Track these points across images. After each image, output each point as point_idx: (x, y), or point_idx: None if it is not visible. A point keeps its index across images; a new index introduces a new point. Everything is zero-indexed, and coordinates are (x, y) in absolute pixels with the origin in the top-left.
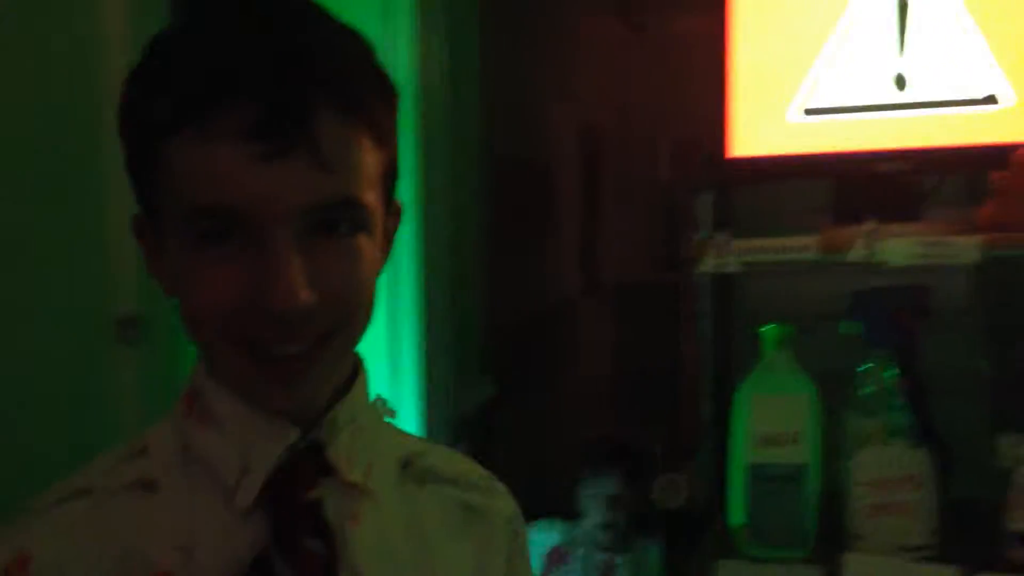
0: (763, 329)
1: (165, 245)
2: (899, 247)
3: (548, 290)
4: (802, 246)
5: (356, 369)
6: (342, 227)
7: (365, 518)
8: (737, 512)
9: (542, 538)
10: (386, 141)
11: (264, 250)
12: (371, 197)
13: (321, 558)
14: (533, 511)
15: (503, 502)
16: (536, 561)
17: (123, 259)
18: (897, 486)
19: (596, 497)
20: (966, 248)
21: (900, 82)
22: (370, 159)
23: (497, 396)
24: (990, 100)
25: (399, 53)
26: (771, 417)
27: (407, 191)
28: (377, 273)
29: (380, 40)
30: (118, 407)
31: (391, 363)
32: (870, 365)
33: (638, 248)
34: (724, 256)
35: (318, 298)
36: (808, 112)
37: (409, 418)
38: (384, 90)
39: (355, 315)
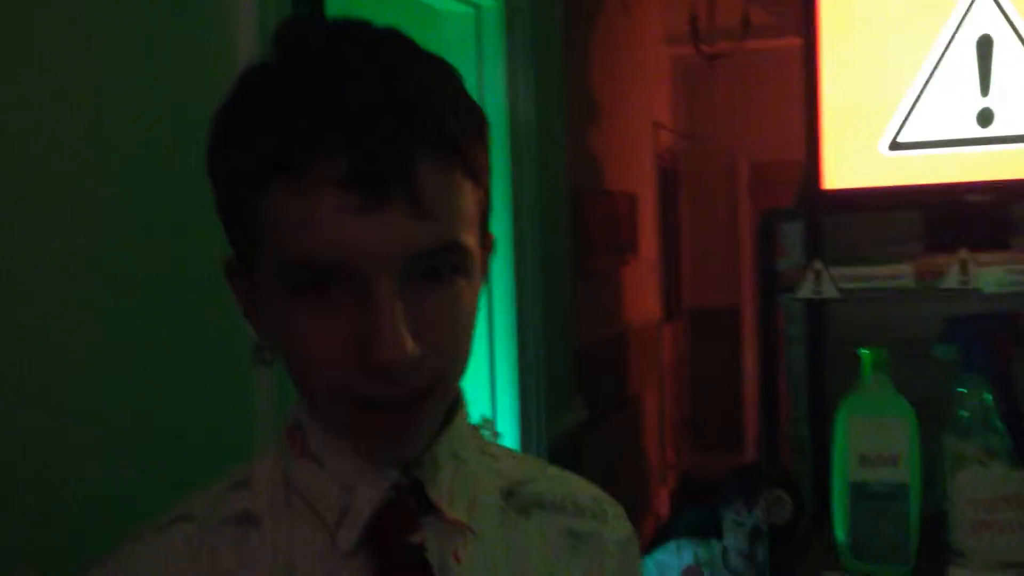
0: (862, 351)
1: (259, 290)
2: (991, 274)
3: (632, 316)
4: (898, 273)
5: (456, 400)
6: (444, 272)
7: (468, 556)
8: (841, 529)
9: (673, 559)
10: (482, 178)
11: (366, 302)
12: (471, 238)
13: None
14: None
15: (615, 525)
16: None
17: None
18: (997, 505)
19: (741, 525)
20: None
21: (984, 118)
22: (469, 200)
23: (588, 419)
24: None
25: (491, 91)
26: (871, 438)
27: (500, 224)
28: (475, 317)
29: (473, 79)
30: (257, 421)
31: (490, 390)
32: (966, 389)
33: (732, 274)
34: (822, 283)
35: (423, 349)
36: (896, 147)
37: (508, 442)
38: (478, 125)
39: (457, 363)
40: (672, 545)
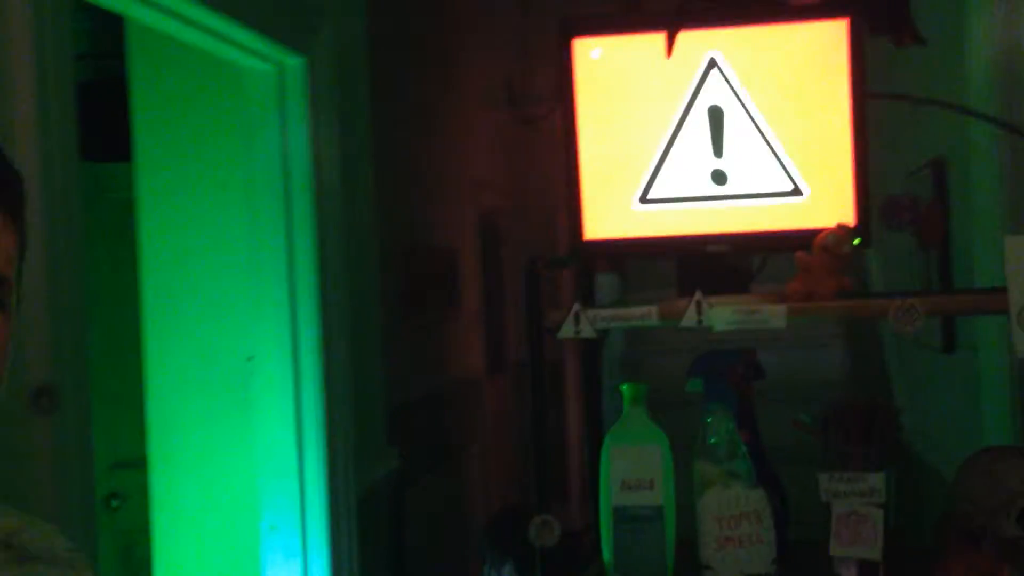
0: (622, 386)
1: None
2: (721, 314)
3: (455, 369)
4: (645, 314)
5: None
6: None
7: None
8: (607, 549)
9: None
10: (18, 222)
11: None
12: (10, 273)
13: None
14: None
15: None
16: None
17: (37, 327)
18: (739, 521)
19: None
20: (775, 314)
21: (719, 177)
22: (5, 235)
23: (401, 468)
24: (795, 193)
25: (295, 150)
26: (630, 465)
27: (305, 281)
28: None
29: (277, 138)
30: (33, 475)
31: (297, 437)
32: (711, 418)
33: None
34: (581, 323)
35: None
36: (646, 202)
37: (317, 490)
38: (11, 175)
39: None
40: None
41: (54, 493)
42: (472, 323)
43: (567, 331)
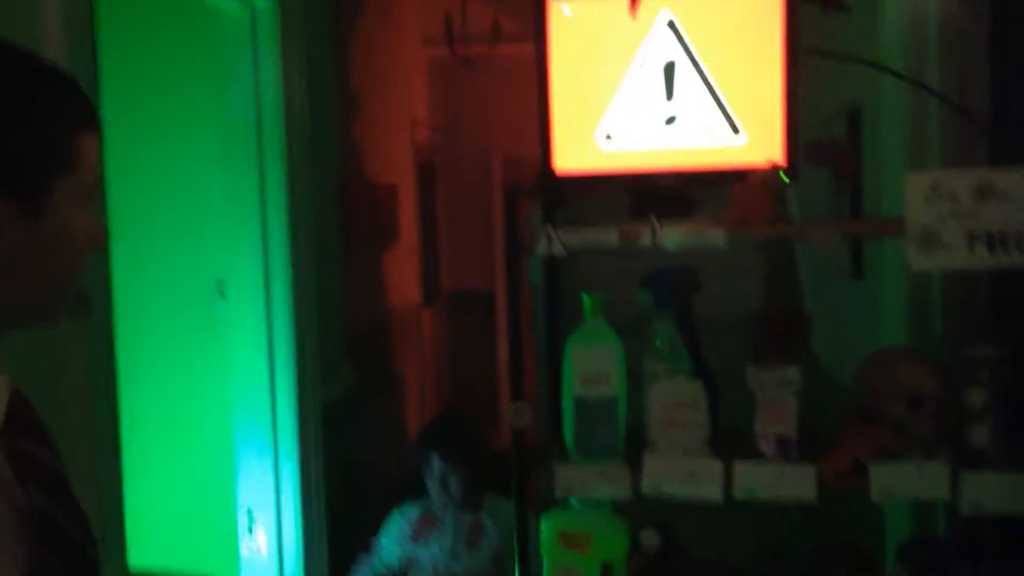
0: (584, 295)
1: None
2: (672, 235)
3: (394, 299)
4: (608, 234)
5: None
6: None
7: None
8: (569, 434)
9: (411, 512)
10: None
11: None
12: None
13: None
14: (398, 495)
15: None
16: (411, 531)
17: None
18: (680, 409)
19: (432, 479)
20: (716, 236)
21: (670, 121)
22: (97, 152)
23: (357, 385)
24: (734, 134)
25: (266, 87)
26: (589, 363)
27: (276, 212)
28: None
29: (249, 75)
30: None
31: (269, 356)
32: (658, 324)
33: (488, 261)
34: (553, 242)
35: None
36: (608, 141)
37: (286, 399)
38: (91, 102)
39: None
40: (395, 512)
41: (87, 392)
42: (409, 255)
43: (543, 248)
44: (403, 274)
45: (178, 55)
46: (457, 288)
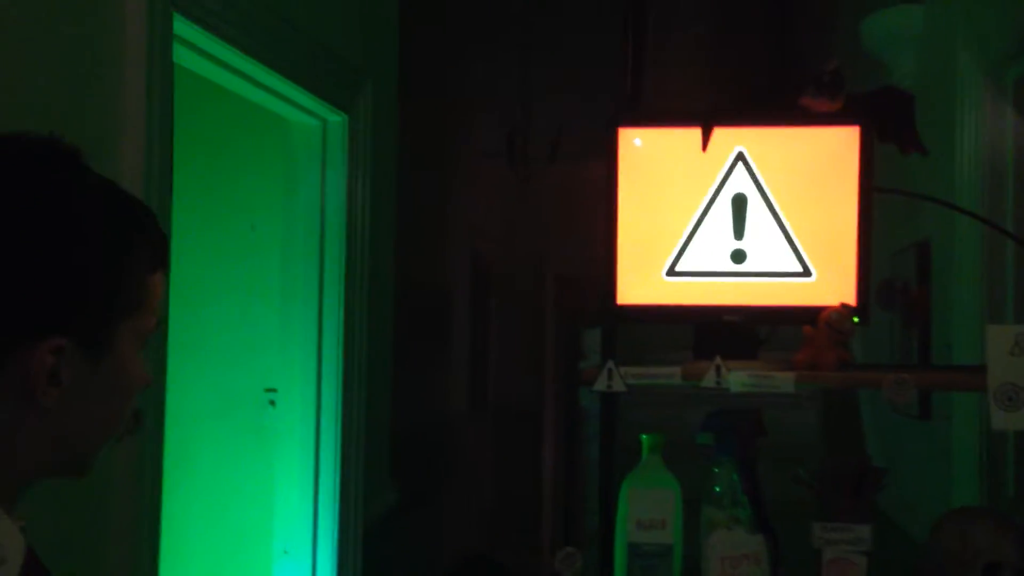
0: (642, 436)
1: None
2: (738, 378)
3: (443, 407)
4: (670, 373)
5: None
6: None
7: None
8: None
9: None
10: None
11: None
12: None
13: None
14: None
15: None
16: None
17: None
18: (740, 561)
19: None
20: (784, 380)
21: (738, 256)
22: (162, 290)
23: (400, 503)
24: (805, 273)
25: (332, 196)
26: (645, 506)
27: (333, 314)
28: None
29: (317, 185)
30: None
31: (314, 468)
32: (719, 469)
33: (536, 375)
34: (613, 378)
35: None
36: (672, 274)
37: (328, 519)
38: (164, 237)
39: None
40: None
41: (130, 503)
42: (459, 363)
43: (601, 385)
44: (451, 384)
45: (248, 164)
46: (503, 401)
